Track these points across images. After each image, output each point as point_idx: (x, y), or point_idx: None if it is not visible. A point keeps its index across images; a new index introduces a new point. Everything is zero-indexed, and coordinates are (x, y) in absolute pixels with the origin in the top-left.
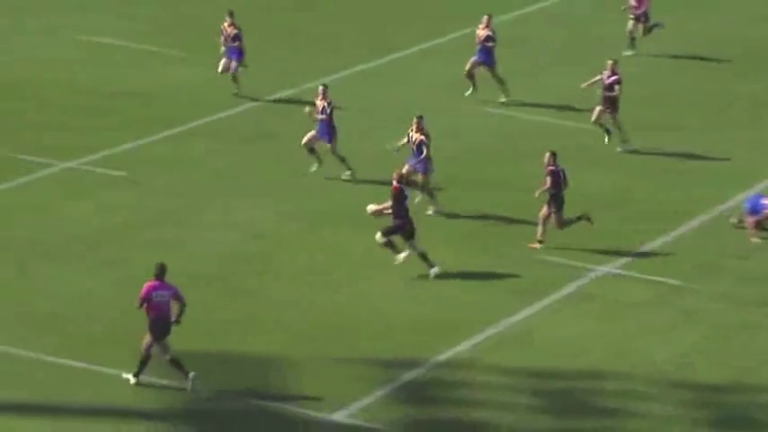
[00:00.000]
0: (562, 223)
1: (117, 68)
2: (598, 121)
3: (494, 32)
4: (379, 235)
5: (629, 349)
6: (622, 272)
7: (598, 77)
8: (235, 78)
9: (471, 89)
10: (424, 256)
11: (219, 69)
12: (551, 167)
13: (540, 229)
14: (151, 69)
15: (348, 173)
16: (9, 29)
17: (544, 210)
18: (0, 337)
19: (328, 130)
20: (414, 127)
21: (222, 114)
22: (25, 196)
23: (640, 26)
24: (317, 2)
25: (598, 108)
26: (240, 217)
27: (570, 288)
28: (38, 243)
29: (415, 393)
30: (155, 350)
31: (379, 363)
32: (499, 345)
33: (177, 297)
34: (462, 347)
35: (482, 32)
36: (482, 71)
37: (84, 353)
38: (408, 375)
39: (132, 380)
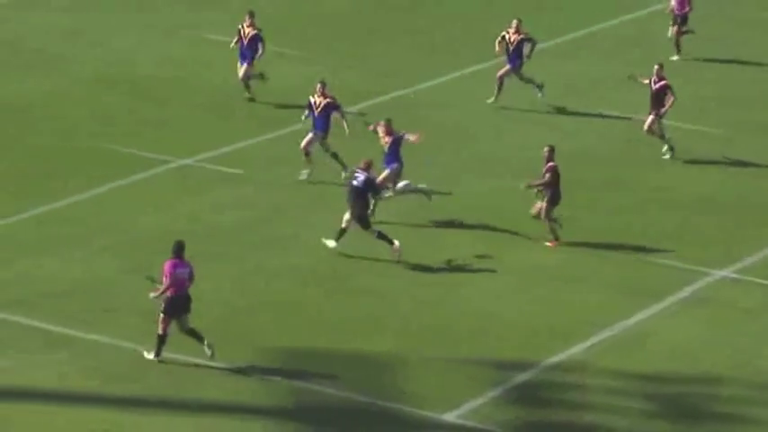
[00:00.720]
0: (551, 218)
1: (234, 67)
2: (651, 131)
3: (527, 35)
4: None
5: (743, 355)
6: (738, 276)
7: (646, 81)
8: (248, 84)
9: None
10: None
11: (240, 76)
12: (551, 163)
13: (549, 225)
14: (270, 68)
15: (344, 175)
16: (130, 26)
17: (539, 205)
18: (119, 332)
19: (324, 124)
20: None
21: None
22: (143, 192)
23: (676, 28)
24: (433, 3)
25: (650, 117)
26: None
27: (685, 292)
28: (154, 240)
29: (527, 395)
30: (174, 326)
31: (490, 364)
32: (613, 348)
33: (192, 276)
34: (575, 350)
35: (514, 36)
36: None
37: (195, 350)
38: (520, 377)
39: (153, 357)
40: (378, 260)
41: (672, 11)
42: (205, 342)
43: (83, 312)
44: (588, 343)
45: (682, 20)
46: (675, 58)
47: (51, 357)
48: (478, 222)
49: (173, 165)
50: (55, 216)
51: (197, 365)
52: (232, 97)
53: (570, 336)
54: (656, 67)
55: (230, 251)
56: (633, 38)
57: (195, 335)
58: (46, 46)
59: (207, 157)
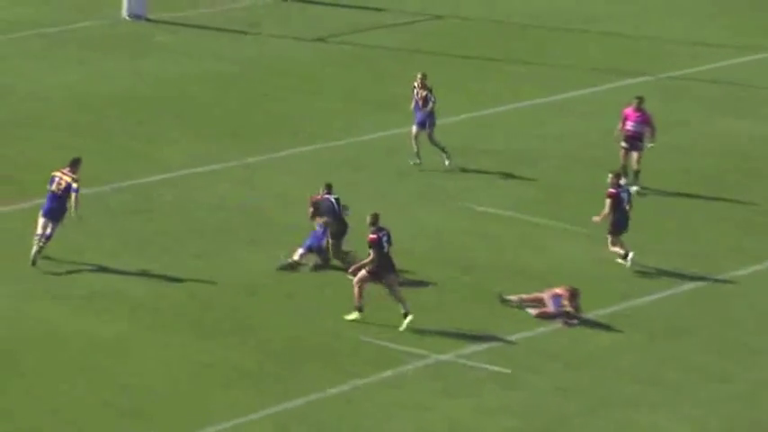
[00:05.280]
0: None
1: (505, 243)
2: None
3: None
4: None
5: None
6: None
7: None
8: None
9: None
10: None
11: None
12: (613, 190)
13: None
14: (537, 244)
15: (447, 162)
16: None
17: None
18: None
19: (428, 118)
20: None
21: (627, 304)
22: (399, 394)
23: None
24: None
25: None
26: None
27: None
28: None
29: None
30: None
31: None
32: None
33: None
34: None
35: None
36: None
37: None
38: None
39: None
40: None
41: None
42: None
43: None
44: None
45: None
46: None
47: None
48: None
49: (429, 360)
50: (295, 416)
51: None
52: (503, 277)
53: None
54: None
55: None
56: None
57: None
58: None
59: (471, 353)
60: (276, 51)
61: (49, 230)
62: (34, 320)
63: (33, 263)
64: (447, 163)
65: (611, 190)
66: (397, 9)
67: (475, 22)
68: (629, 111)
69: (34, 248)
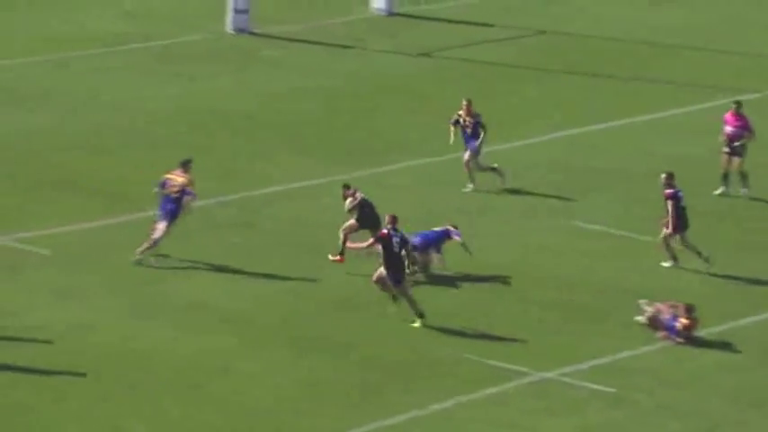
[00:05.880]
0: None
1: (609, 261)
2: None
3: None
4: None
5: None
6: None
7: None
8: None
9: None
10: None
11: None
12: (670, 190)
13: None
14: (642, 262)
15: (500, 179)
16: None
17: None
18: None
19: (472, 141)
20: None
21: (733, 323)
22: (502, 412)
23: None
24: None
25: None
26: None
27: None
28: None
29: None
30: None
31: None
32: None
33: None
34: None
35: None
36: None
37: None
38: None
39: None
40: None
41: None
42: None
43: None
44: None
45: None
46: None
47: None
48: None
49: (533, 377)
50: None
51: None
52: (603, 297)
53: None
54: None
55: None
56: None
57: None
58: None
59: (574, 371)
60: (381, 66)
61: (159, 233)
62: (137, 334)
63: (139, 262)
64: (501, 181)
65: (669, 191)
66: (502, 24)
67: (580, 38)
68: (728, 116)
69: (143, 246)
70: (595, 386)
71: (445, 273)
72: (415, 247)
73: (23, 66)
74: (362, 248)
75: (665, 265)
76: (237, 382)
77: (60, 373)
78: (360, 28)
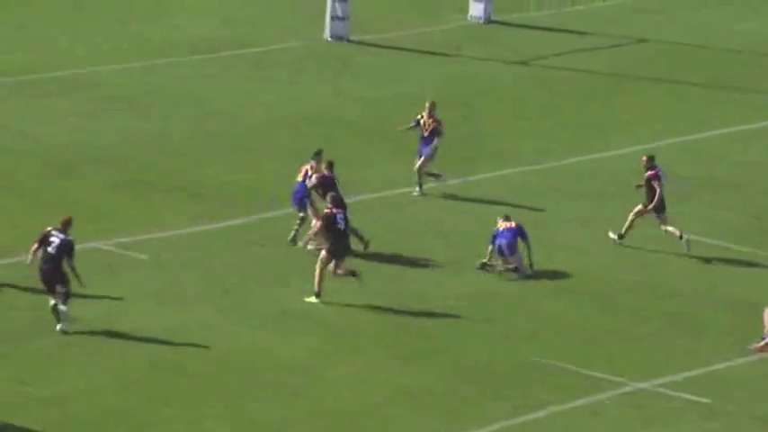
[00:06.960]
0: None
1: (707, 271)
2: None
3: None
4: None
5: None
6: None
7: None
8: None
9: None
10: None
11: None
12: (652, 171)
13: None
14: (741, 272)
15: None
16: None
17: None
18: None
19: (425, 147)
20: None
21: None
22: (595, 422)
23: None
24: None
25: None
26: None
27: None
28: None
29: None
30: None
31: None
32: None
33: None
34: None
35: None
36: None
37: None
38: None
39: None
40: None
41: None
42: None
43: None
44: None
45: None
46: None
47: None
48: None
49: (628, 388)
50: None
51: None
52: (706, 310)
53: None
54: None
55: None
56: None
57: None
58: None
59: (668, 382)
60: (477, 74)
61: (302, 215)
62: (228, 338)
63: (293, 242)
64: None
65: (651, 172)
66: (600, 32)
67: (678, 46)
68: None
69: (292, 233)
70: (690, 397)
71: (528, 275)
72: (501, 251)
73: (124, 71)
74: (314, 232)
75: (611, 235)
76: (328, 386)
77: (159, 376)
78: (457, 35)
